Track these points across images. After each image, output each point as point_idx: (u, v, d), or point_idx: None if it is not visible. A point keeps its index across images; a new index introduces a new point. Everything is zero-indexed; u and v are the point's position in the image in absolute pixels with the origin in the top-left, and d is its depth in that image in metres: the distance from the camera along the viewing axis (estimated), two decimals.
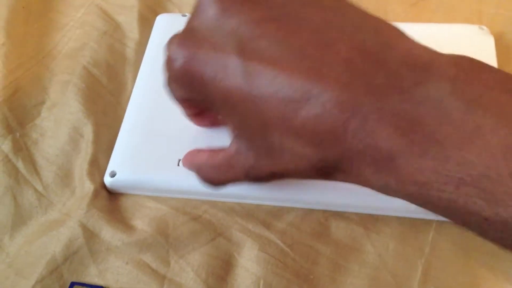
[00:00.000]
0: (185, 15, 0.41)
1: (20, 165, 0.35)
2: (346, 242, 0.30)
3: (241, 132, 0.23)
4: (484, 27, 0.37)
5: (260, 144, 0.21)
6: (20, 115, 0.37)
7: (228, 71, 0.20)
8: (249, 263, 0.30)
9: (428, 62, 0.18)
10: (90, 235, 0.31)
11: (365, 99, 0.17)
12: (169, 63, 0.23)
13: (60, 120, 0.36)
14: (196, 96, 0.23)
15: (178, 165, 0.32)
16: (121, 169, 0.33)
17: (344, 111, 0.18)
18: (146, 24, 0.41)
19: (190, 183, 0.31)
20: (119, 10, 0.43)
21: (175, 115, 0.33)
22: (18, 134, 0.36)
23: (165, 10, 0.43)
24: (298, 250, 0.30)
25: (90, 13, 0.41)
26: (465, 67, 0.18)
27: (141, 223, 0.32)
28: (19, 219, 0.33)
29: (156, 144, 0.33)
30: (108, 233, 0.31)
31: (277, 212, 0.31)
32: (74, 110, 0.37)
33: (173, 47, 0.23)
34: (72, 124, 0.36)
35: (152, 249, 0.31)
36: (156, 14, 0.42)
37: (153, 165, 0.33)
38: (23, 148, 0.35)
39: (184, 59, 0.22)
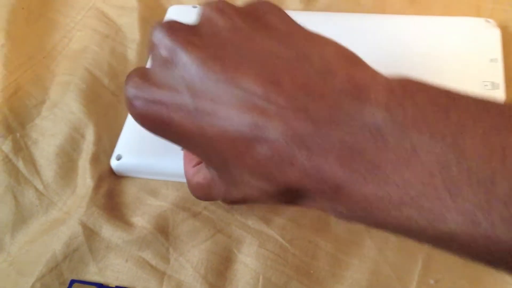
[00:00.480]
0: (195, 7, 0.41)
1: (20, 164, 0.35)
2: (346, 237, 0.30)
3: (209, 164, 0.24)
4: (491, 20, 0.37)
5: (226, 176, 0.22)
6: (20, 115, 0.37)
7: (182, 111, 0.21)
8: (248, 259, 0.30)
9: (366, 88, 0.19)
10: (90, 233, 0.31)
11: (307, 133, 0.18)
12: (128, 104, 0.23)
13: (61, 120, 0.37)
14: (160, 135, 0.23)
15: (182, 149, 0.32)
16: (127, 152, 0.34)
17: (290, 147, 0.18)
18: (147, 25, 0.42)
19: None
20: (119, 11, 0.43)
21: None
22: (18, 134, 0.36)
23: (165, 11, 0.43)
24: (298, 245, 0.30)
25: (91, 16, 0.41)
26: (398, 90, 0.18)
27: (141, 220, 0.32)
28: (20, 218, 0.33)
29: None
30: (108, 231, 0.31)
31: (277, 207, 0.31)
32: (75, 110, 0.37)
33: (130, 89, 0.23)
34: (73, 124, 0.36)
35: (152, 246, 0.31)
36: (157, 15, 0.43)
37: (158, 149, 0.33)
38: (23, 148, 0.36)
39: (141, 102, 0.22)
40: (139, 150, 0.34)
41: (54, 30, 0.42)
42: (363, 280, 0.28)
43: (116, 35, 0.41)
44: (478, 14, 0.40)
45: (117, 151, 0.35)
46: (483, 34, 0.37)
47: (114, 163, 0.34)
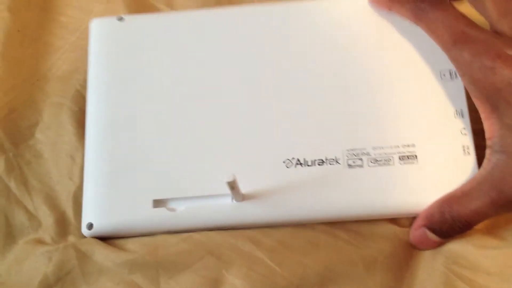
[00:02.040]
0: (121, 18, 0.37)
1: (12, 185, 0.35)
2: (336, 258, 0.31)
3: None
4: None
5: None
6: (14, 136, 0.37)
7: None
8: (238, 281, 0.30)
9: None
10: (82, 256, 0.31)
11: None
12: None
13: (53, 142, 0.37)
14: None
15: (153, 207, 0.32)
16: (97, 219, 0.32)
17: None
18: None
19: (168, 222, 0.32)
20: None
21: (137, 144, 0.33)
22: (11, 154, 0.36)
23: None
24: (287, 267, 0.30)
25: (84, 37, 0.41)
26: None
27: (133, 245, 0.32)
28: (11, 239, 0.33)
29: (125, 185, 0.32)
30: (101, 255, 0.31)
31: (266, 230, 0.32)
32: (66, 133, 0.37)
33: None
34: (64, 147, 0.36)
35: (142, 269, 0.31)
36: None
37: (128, 209, 0.32)
38: (15, 168, 0.36)
39: None
40: (109, 213, 0.32)
41: (49, 53, 0.42)
42: None
43: None
44: None
45: (85, 218, 0.32)
46: None
47: (85, 232, 0.32)
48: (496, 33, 0.27)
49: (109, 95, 0.35)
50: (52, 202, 0.34)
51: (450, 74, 0.32)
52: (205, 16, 0.36)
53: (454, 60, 0.28)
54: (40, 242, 0.33)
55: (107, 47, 0.36)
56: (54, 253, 0.32)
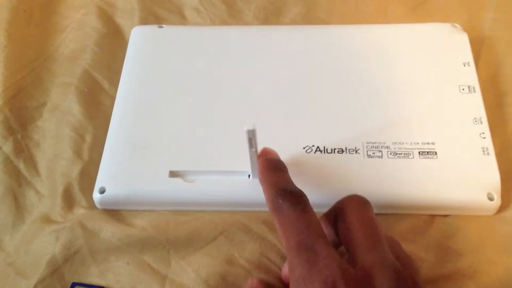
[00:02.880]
0: (161, 27, 0.41)
1: (21, 166, 0.35)
2: None
3: None
4: (457, 25, 0.38)
5: None
6: (22, 117, 0.37)
7: None
8: (250, 265, 0.30)
9: None
10: (90, 235, 0.31)
11: None
12: None
13: (62, 122, 0.37)
14: None
15: (169, 177, 0.32)
16: (110, 184, 0.32)
17: None
18: None
19: (183, 194, 0.32)
20: (119, 13, 0.43)
21: (159, 126, 0.34)
22: (19, 136, 0.36)
23: (164, 11, 0.43)
24: None
25: (89, 13, 0.41)
26: None
27: (141, 222, 0.32)
28: (20, 219, 0.33)
29: (144, 157, 0.33)
30: (108, 233, 0.31)
31: None
32: (75, 113, 0.37)
33: None
34: (73, 126, 0.36)
35: (153, 249, 0.31)
36: (156, 17, 0.43)
37: (144, 178, 0.32)
38: (24, 150, 0.35)
39: None
40: (123, 180, 0.32)
41: (55, 32, 0.42)
42: None
43: (115, 36, 0.42)
44: (479, 23, 0.40)
45: (99, 182, 0.33)
46: (452, 39, 0.38)
47: (96, 196, 0.32)
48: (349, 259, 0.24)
49: (140, 84, 0.37)
50: (61, 181, 0.34)
51: (469, 88, 0.35)
52: (234, 32, 0.40)
53: (289, 263, 0.24)
54: (48, 220, 0.32)
55: (144, 48, 0.40)
56: (61, 232, 0.31)
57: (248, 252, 0.30)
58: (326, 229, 0.26)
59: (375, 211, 0.25)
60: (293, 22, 0.42)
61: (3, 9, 0.41)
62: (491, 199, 0.31)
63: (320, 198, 0.30)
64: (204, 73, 0.37)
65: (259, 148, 0.29)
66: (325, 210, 0.28)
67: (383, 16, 0.42)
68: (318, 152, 0.33)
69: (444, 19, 0.41)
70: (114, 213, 0.33)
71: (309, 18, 0.43)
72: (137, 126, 0.35)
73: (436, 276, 0.29)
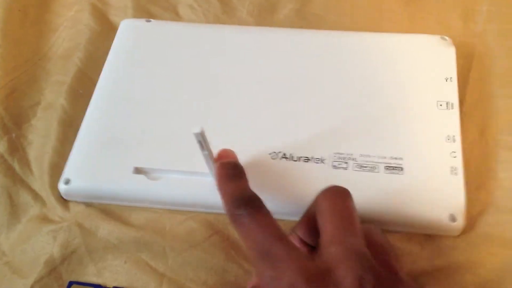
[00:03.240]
0: (149, 21, 0.41)
1: (16, 165, 0.35)
2: None
3: None
4: (447, 38, 0.37)
5: None
6: (16, 116, 0.37)
7: None
8: (247, 264, 0.30)
9: None
10: (87, 234, 0.31)
11: None
12: None
13: (55, 120, 0.36)
14: None
15: (134, 173, 0.32)
16: (76, 176, 0.33)
17: None
18: None
19: (145, 191, 0.32)
20: (112, 10, 0.43)
21: (132, 122, 0.34)
22: (14, 135, 0.36)
23: (158, 9, 0.43)
24: None
25: (82, 10, 0.41)
26: None
27: (137, 219, 0.32)
28: (15, 218, 0.33)
29: (112, 151, 0.33)
30: (105, 232, 0.31)
31: None
32: (68, 111, 0.37)
33: None
34: (66, 125, 0.36)
35: (150, 247, 0.31)
36: (150, 14, 0.43)
37: (109, 173, 0.32)
38: (19, 149, 0.35)
39: None
40: (89, 173, 0.33)
41: (49, 31, 0.42)
42: None
43: (108, 33, 0.41)
44: (473, 18, 0.40)
45: (65, 174, 0.33)
46: (438, 52, 0.37)
47: (62, 187, 0.33)
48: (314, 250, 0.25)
49: (119, 78, 0.37)
50: (56, 178, 0.34)
51: (447, 104, 0.34)
52: (221, 30, 0.40)
53: (256, 273, 0.25)
54: (44, 219, 0.32)
55: (129, 41, 0.40)
56: (58, 232, 0.31)
57: (244, 250, 0.30)
58: (304, 228, 0.26)
59: None
60: (288, 18, 0.42)
61: None
62: (453, 220, 0.30)
63: (279, 206, 0.30)
64: (184, 70, 0.37)
65: (220, 147, 0.29)
66: (284, 217, 0.29)
67: (378, 11, 0.42)
68: (283, 159, 0.32)
69: (439, 13, 0.41)
70: (109, 210, 0.33)
71: (303, 14, 0.43)
72: (110, 120, 0.35)
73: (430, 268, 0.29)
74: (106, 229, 0.31)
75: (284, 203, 0.31)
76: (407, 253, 0.30)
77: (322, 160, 0.32)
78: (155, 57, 0.38)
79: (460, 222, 0.30)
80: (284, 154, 0.33)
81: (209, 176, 0.30)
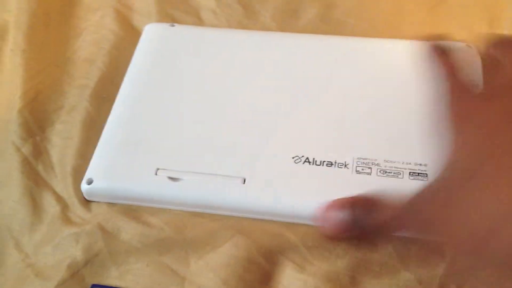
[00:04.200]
0: (173, 25, 0.41)
1: (40, 168, 0.35)
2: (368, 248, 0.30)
3: None
4: (472, 46, 0.37)
5: None
6: (40, 119, 0.37)
7: None
8: (269, 265, 0.30)
9: None
10: (109, 237, 0.31)
11: None
12: None
13: (78, 123, 0.37)
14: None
15: (156, 174, 0.32)
16: (99, 176, 0.33)
17: None
18: None
19: (167, 192, 0.32)
20: (136, 16, 0.44)
21: (156, 124, 0.35)
22: (38, 138, 0.36)
23: (181, 14, 0.44)
24: (317, 254, 0.30)
25: (106, 15, 0.41)
26: None
27: (158, 221, 0.32)
28: (38, 220, 0.33)
29: (135, 152, 0.34)
30: (128, 235, 0.31)
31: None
32: (92, 114, 0.37)
33: None
34: (90, 127, 0.36)
35: (171, 249, 0.31)
36: (174, 20, 0.43)
37: (131, 174, 0.33)
38: (43, 152, 0.36)
39: None
40: (111, 173, 0.33)
41: (73, 36, 0.42)
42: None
43: (132, 38, 0.42)
44: (499, 23, 0.40)
45: (88, 174, 0.33)
46: (463, 60, 0.35)
47: (84, 187, 0.33)
48: None
49: (143, 80, 0.38)
50: (79, 181, 0.34)
51: None
52: (242, 36, 0.40)
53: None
54: (67, 222, 0.32)
55: (154, 45, 0.40)
56: (81, 235, 0.31)
57: (266, 250, 0.30)
58: None
59: None
60: (311, 23, 0.42)
61: (23, 12, 0.42)
62: None
63: (301, 209, 0.30)
64: (207, 75, 0.37)
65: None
66: (305, 221, 0.29)
67: (400, 16, 0.42)
68: (306, 163, 0.32)
69: (462, 19, 0.40)
70: (131, 211, 0.33)
71: (326, 19, 0.43)
72: (133, 122, 0.35)
73: None
74: (128, 232, 0.31)
75: (306, 207, 0.30)
76: (428, 264, 0.29)
77: (345, 165, 0.32)
78: (179, 61, 0.38)
79: None
80: (307, 158, 0.33)
81: (236, 179, 0.31)
